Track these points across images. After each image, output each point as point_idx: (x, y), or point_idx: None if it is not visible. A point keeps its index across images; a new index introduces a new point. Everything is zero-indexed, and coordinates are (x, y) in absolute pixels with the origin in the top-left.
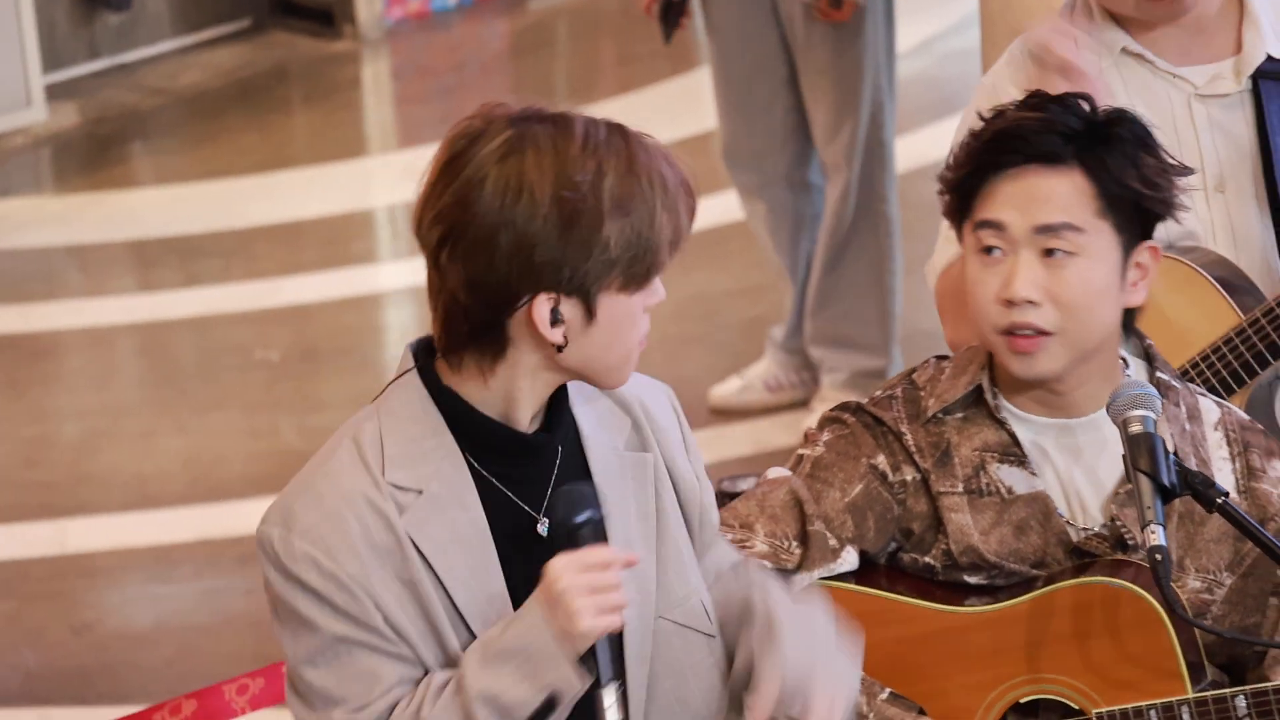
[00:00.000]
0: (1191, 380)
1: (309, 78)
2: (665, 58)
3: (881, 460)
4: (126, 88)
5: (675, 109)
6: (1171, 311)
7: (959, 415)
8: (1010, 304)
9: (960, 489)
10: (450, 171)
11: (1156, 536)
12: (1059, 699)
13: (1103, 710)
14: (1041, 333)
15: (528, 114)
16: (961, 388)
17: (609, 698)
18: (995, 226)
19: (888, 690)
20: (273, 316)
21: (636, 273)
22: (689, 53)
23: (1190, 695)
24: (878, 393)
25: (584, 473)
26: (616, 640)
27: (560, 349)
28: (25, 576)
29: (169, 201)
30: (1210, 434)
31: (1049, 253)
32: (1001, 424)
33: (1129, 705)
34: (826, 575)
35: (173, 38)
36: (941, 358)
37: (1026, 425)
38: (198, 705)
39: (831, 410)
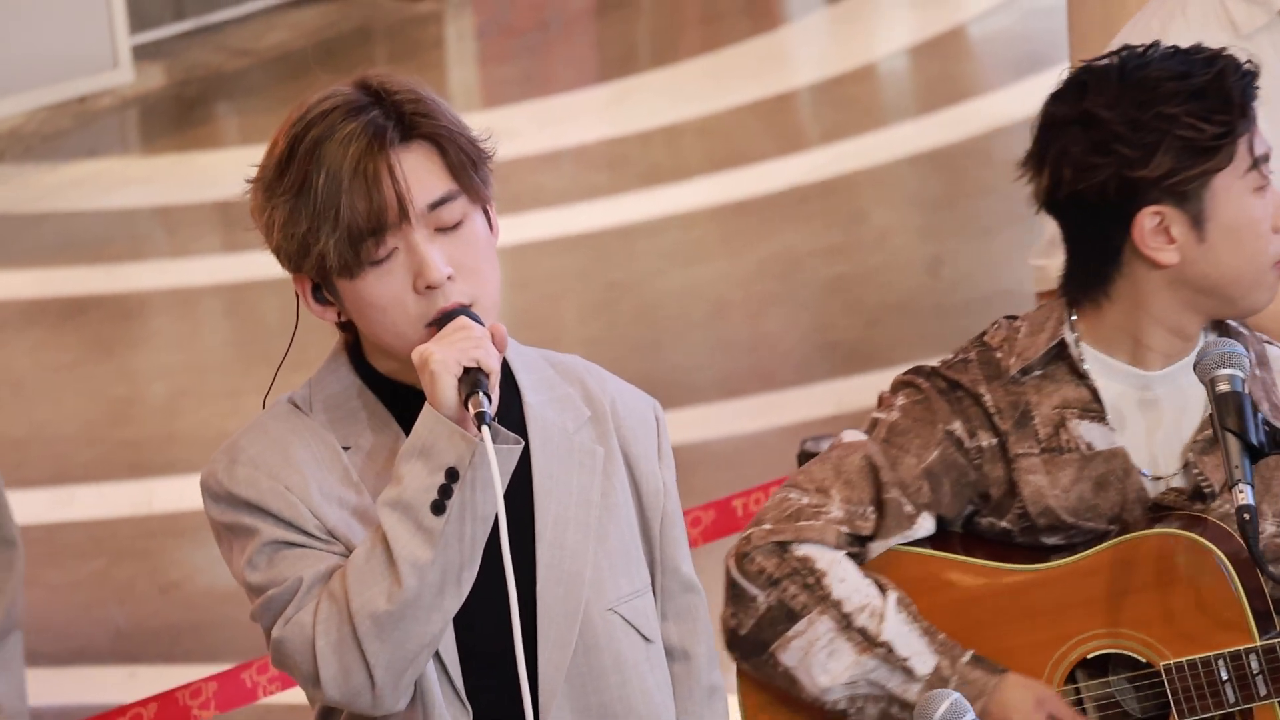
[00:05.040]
0: None
1: (393, 38)
2: (748, 16)
3: (958, 426)
4: (212, 48)
5: (757, 68)
6: None
7: (1037, 373)
8: None
9: (1038, 450)
10: None
11: (1245, 496)
12: (1126, 653)
13: (1170, 662)
14: None
15: (350, 85)
16: (1043, 344)
17: (489, 438)
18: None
19: (969, 653)
20: None
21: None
22: (772, 12)
23: (1258, 643)
24: (950, 356)
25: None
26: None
27: (343, 325)
28: (113, 535)
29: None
30: (1279, 379)
31: None
32: (1083, 378)
33: (1196, 656)
34: (903, 542)
35: None
36: (1011, 318)
37: (1110, 377)
38: None
39: (905, 374)
